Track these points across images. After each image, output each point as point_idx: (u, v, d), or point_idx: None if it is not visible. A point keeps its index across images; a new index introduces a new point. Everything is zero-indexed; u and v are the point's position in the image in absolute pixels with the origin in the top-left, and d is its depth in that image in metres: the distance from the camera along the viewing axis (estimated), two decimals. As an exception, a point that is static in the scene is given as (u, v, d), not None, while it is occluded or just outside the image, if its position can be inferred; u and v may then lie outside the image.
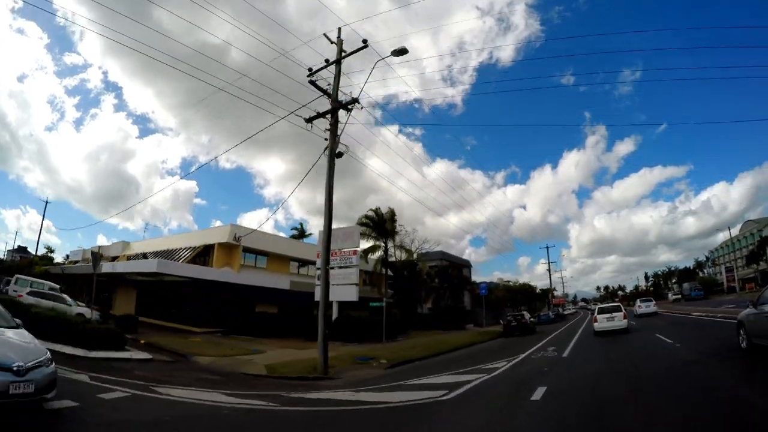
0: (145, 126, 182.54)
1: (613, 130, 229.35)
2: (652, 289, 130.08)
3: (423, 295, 36.62)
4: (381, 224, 34.27)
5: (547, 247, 58.07)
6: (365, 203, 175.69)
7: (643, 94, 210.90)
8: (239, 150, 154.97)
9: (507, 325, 27.65)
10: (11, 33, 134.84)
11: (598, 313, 20.26)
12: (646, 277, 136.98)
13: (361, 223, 34.42)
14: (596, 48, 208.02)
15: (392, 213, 33.98)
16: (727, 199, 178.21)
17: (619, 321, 18.73)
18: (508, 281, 47.61)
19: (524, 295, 43.54)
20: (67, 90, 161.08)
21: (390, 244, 35.41)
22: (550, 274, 55.48)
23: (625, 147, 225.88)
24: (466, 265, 55.75)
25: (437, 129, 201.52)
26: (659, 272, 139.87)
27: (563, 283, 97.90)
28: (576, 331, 25.11)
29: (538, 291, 67.89)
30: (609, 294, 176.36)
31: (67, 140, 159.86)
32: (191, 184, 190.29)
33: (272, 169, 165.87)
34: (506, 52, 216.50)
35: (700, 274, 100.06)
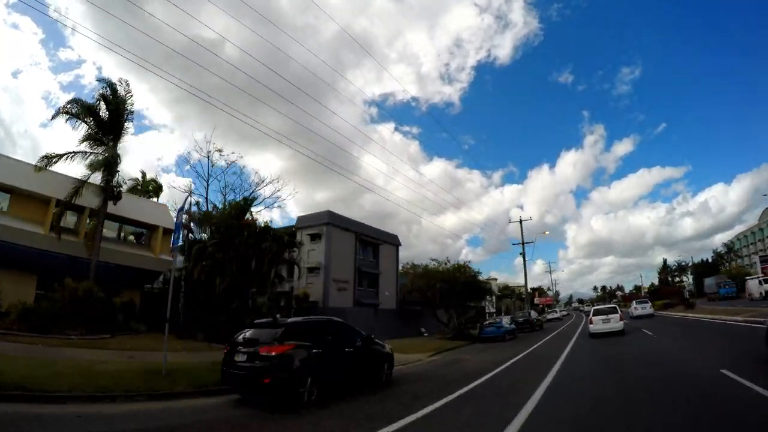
0: (139, 122, 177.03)
1: (612, 130, 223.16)
2: (652, 288, 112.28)
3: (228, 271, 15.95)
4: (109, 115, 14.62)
5: (521, 221, 37.94)
6: (360, 202, 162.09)
7: (642, 93, 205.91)
8: (233, 146, 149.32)
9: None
10: (6, 28, 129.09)
11: (593, 315, 19.69)
12: (665, 268, 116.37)
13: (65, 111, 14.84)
14: (595, 46, 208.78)
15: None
16: (724, 200, 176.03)
17: (615, 323, 18.56)
18: (435, 260, 26.58)
19: (450, 284, 23.50)
20: (61, 86, 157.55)
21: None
22: (524, 258, 35.41)
23: (623, 147, 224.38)
24: (388, 241, 35.18)
25: (434, 128, 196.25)
26: (669, 267, 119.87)
27: (551, 275, 77.76)
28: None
29: (490, 284, 45.64)
30: (607, 294, 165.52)
31: (62, 137, 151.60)
32: (186, 181, 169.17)
33: (268, 165, 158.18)
34: (504, 51, 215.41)
35: (722, 268, 79.92)
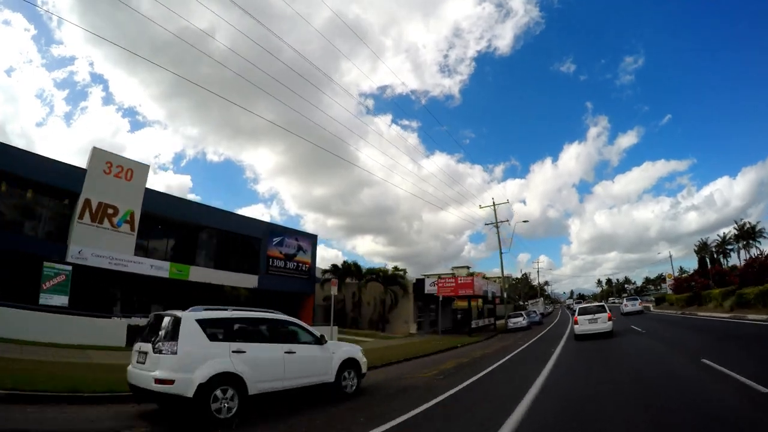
0: (134, 119, 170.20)
1: (616, 122, 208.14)
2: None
3: None
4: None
5: None
6: (359, 197, 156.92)
7: (646, 84, 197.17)
8: (227, 141, 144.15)
9: None
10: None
11: (579, 314, 17.87)
12: (705, 246, 74.27)
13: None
14: (597, 34, 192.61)
15: None
16: (730, 194, 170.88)
17: (602, 323, 16.75)
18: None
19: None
20: (55, 83, 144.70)
21: None
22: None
23: (627, 139, 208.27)
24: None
25: (434, 121, 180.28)
26: (707, 242, 76.66)
27: (499, 239, 35.20)
28: None
29: None
30: (614, 289, 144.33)
31: (57, 135, 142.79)
32: (185, 179, 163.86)
33: (262, 161, 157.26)
34: (505, 41, 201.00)
35: None
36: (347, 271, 29.14)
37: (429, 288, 26.82)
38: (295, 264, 30.07)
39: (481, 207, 38.61)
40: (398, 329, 28.08)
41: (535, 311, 38.93)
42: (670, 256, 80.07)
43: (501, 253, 36.45)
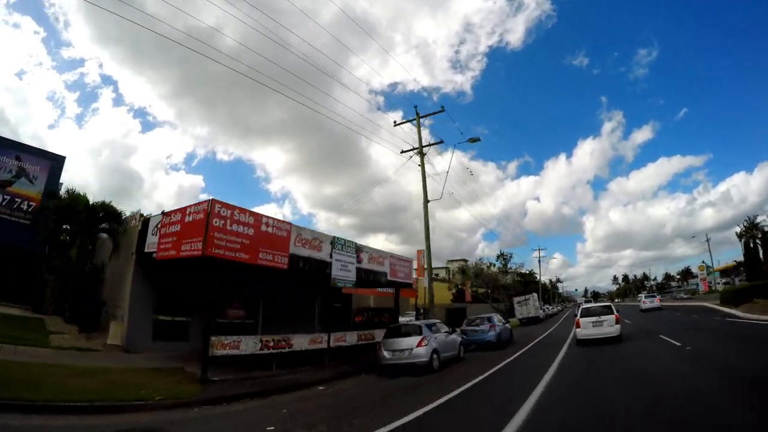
0: (145, 119, 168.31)
1: (630, 117, 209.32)
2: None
3: None
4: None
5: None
6: (371, 196, 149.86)
7: (661, 77, 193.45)
8: (237, 141, 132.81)
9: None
10: (7, 28, 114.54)
11: (581, 316, 15.37)
12: (754, 226, 56.91)
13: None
14: (609, 26, 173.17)
15: None
16: (746, 190, 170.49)
17: (609, 326, 14.42)
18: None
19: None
20: (66, 85, 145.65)
21: None
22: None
23: (642, 135, 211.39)
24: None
25: (446, 118, 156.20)
26: (756, 222, 58.61)
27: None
28: None
29: None
30: (632, 286, 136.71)
31: (69, 136, 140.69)
32: (197, 179, 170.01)
33: (272, 159, 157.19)
34: (516, 35, 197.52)
35: None
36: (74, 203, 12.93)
37: (151, 241, 10.75)
38: (8, 198, 14.56)
39: (396, 124, 22.06)
40: (116, 329, 11.87)
41: (490, 318, 19.95)
42: (708, 240, 62.51)
43: (426, 200, 19.87)
